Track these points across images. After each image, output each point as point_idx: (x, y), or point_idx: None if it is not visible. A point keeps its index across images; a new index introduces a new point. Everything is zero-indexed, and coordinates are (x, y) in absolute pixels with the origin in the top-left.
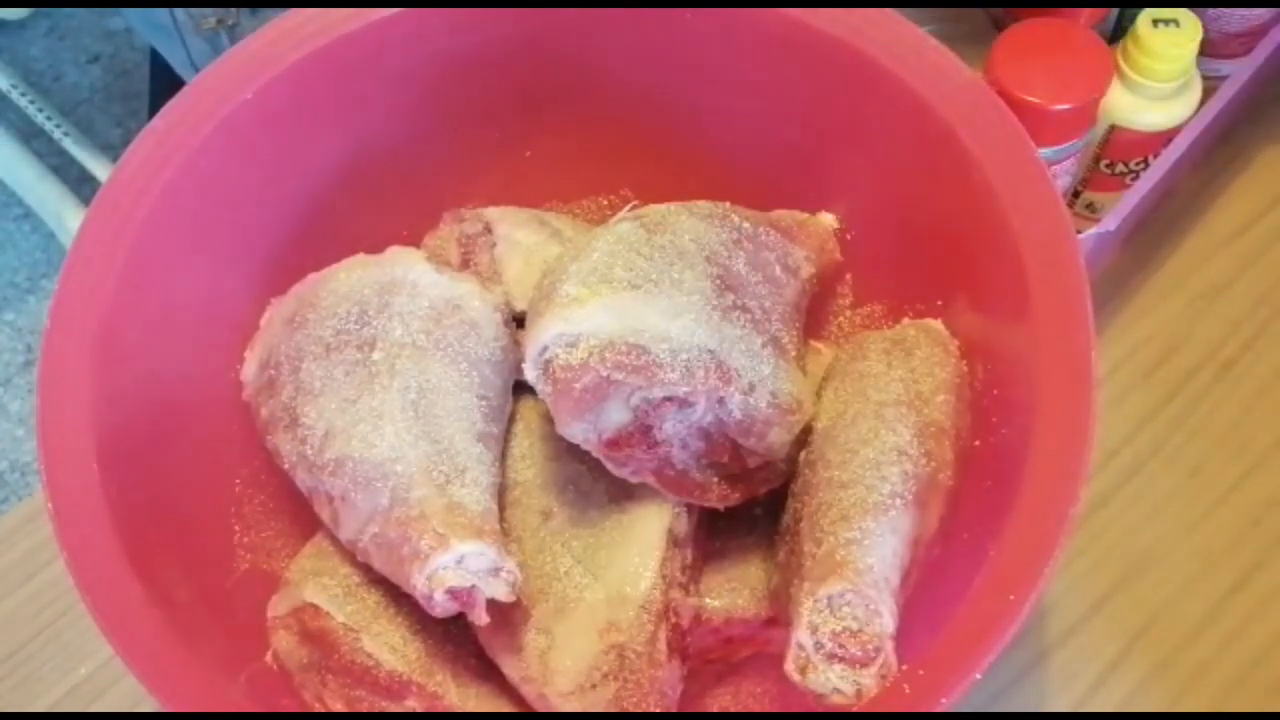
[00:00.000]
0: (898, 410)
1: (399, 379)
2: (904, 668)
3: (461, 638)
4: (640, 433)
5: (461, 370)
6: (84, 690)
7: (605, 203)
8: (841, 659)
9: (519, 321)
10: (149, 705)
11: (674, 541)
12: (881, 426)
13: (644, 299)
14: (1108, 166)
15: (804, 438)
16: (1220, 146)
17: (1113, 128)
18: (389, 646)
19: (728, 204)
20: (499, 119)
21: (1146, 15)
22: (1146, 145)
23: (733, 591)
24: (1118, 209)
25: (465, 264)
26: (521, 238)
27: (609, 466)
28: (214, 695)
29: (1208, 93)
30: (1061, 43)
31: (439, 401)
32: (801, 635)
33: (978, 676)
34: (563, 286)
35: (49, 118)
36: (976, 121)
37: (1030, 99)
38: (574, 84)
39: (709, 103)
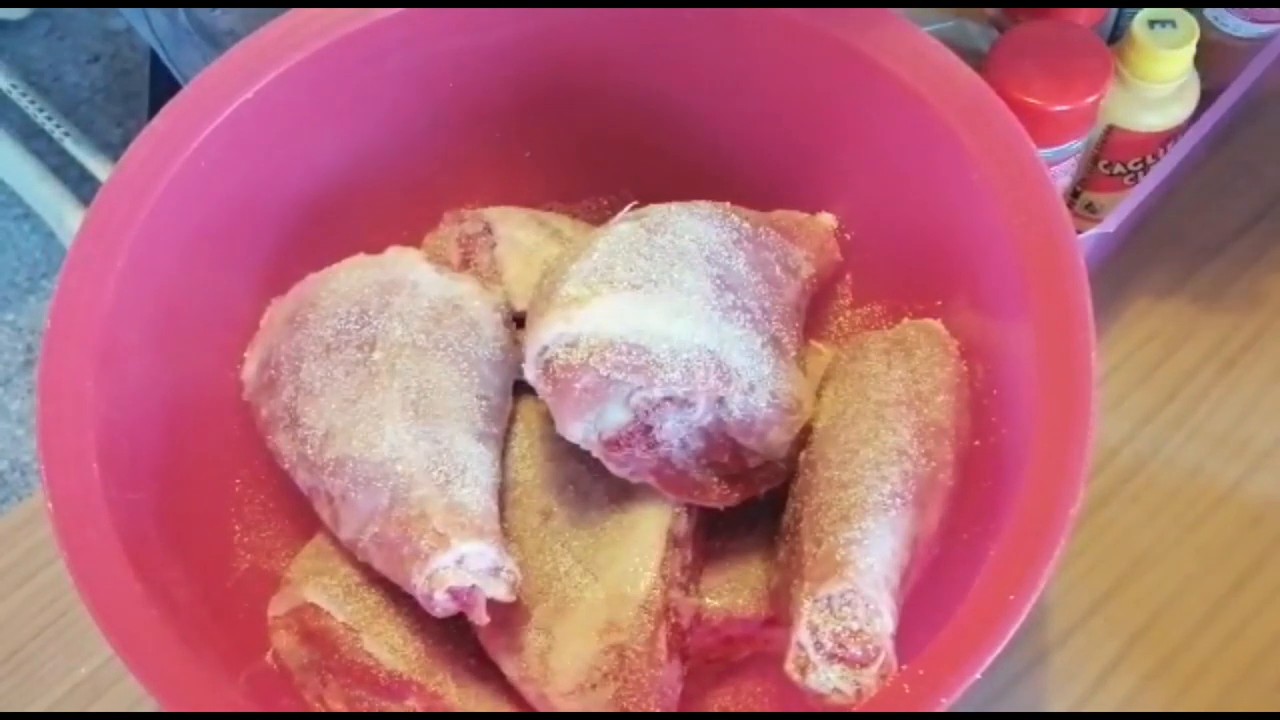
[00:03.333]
0: (898, 410)
1: (399, 379)
2: (904, 667)
3: (461, 638)
4: (640, 433)
5: (461, 370)
6: (84, 690)
7: (605, 203)
8: (841, 659)
9: (519, 321)
10: (149, 705)
11: (674, 541)
12: (881, 426)
13: (644, 299)
14: (1106, 167)
15: (804, 438)
16: (1220, 147)
17: (1111, 128)
18: (389, 646)
19: (728, 204)
20: (499, 119)
21: (1143, 17)
22: (1144, 146)
23: (733, 591)
24: (1118, 210)
25: (465, 264)
26: (521, 238)
27: (609, 466)
28: (214, 695)
29: (1214, 89)
30: (1061, 44)
31: (439, 401)
32: (801, 635)
33: (977, 676)
34: (563, 287)
35: (49, 118)
36: (976, 122)
37: (1030, 100)
38: (574, 84)
39: (709, 103)
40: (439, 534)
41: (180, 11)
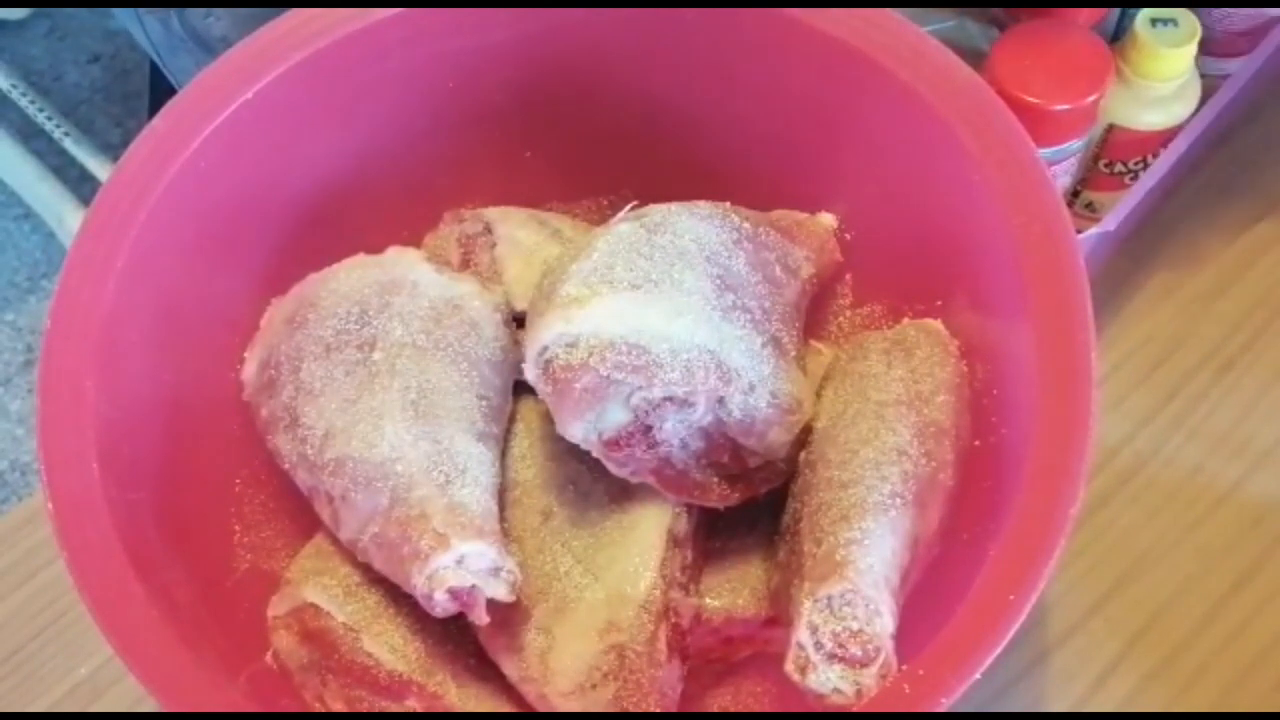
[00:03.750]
0: (898, 410)
1: (399, 379)
2: (904, 667)
3: (461, 638)
4: (640, 433)
5: (462, 370)
6: (84, 690)
7: (605, 203)
8: (841, 659)
9: (519, 321)
10: (149, 705)
11: (674, 541)
12: (881, 426)
13: (644, 299)
14: (1107, 166)
15: (804, 438)
16: (1220, 147)
17: (1111, 127)
18: (389, 646)
19: (728, 204)
20: (499, 119)
21: (1145, 15)
22: (1145, 145)
23: (733, 591)
24: (1117, 209)
25: (465, 264)
26: (522, 238)
27: (609, 466)
28: (214, 695)
29: (1209, 92)
30: (1061, 43)
31: (439, 401)
32: (801, 635)
33: (977, 676)
34: (563, 287)
35: (49, 118)
36: (976, 121)
37: (1030, 99)
38: (574, 84)
39: (709, 103)
40: (439, 534)
41: (174, 18)
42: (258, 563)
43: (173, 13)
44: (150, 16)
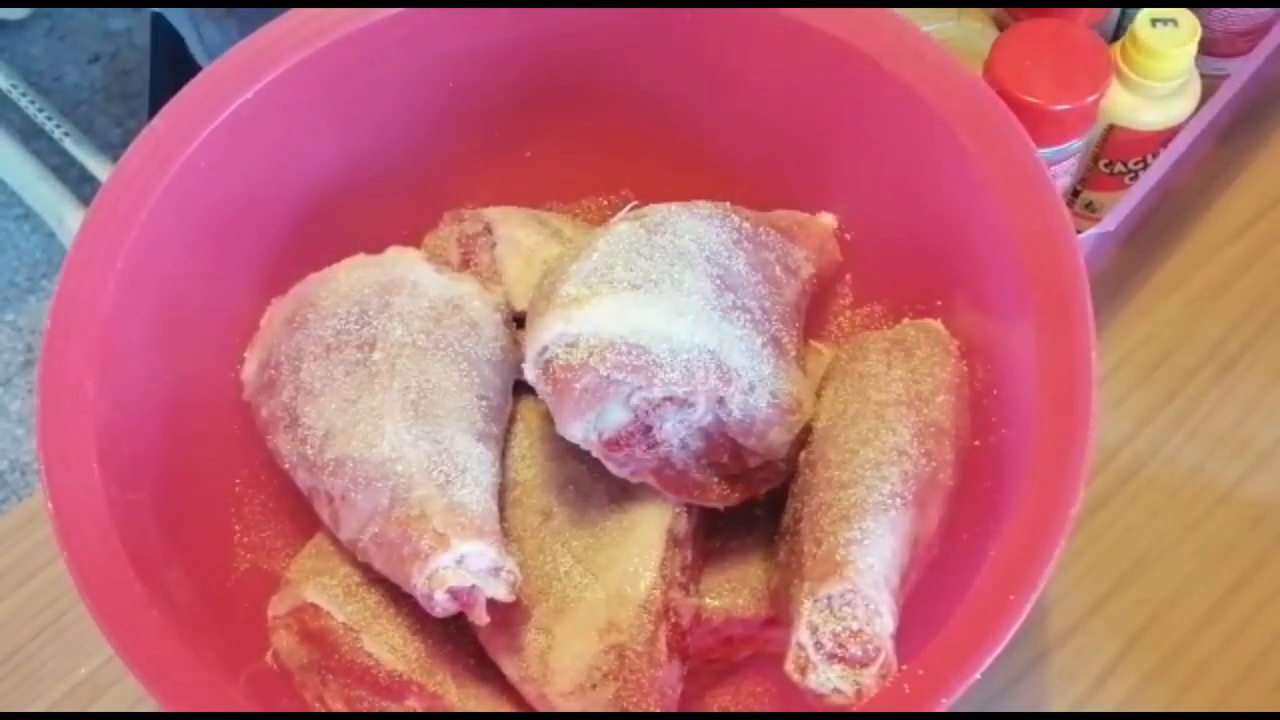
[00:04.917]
0: (898, 410)
1: (399, 379)
2: (904, 667)
3: (462, 638)
4: (640, 433)
5: (462, 370)
6: (84, 690)
7: (605, 203)
8: (841, 659)
9: (519, 321)
10: (149, 705)
11: (674, 541)
12: (881, 426)
13: (644, 299)
14: (1107, 166)
15: (804, 438)
16: (1220, 147)
17: (1111, 127)
18: (389, 646)
19: (728, 204)
20: (499, 119)
21: (1145, 15)
22: (1145, 145)
23: (733, 591)
24: (1117, 209)
25: (465, 264)
26: (522, 238)
27: (609, 466)
28: (214, 695)
29: (1208, 91)
30: (1061, 43)
31: (439, 401)
32: (801, 635)
33: (977, 676)
34: (563, 287)
35: (49, 118)
36: (976, 122)
37: (1030, 99)
38: (574, 84)
39: (709, 103)
40: (439, 534)
41: (234, 29)
42: (258, 563)
43: (234, 22)
44: (209, 24)
